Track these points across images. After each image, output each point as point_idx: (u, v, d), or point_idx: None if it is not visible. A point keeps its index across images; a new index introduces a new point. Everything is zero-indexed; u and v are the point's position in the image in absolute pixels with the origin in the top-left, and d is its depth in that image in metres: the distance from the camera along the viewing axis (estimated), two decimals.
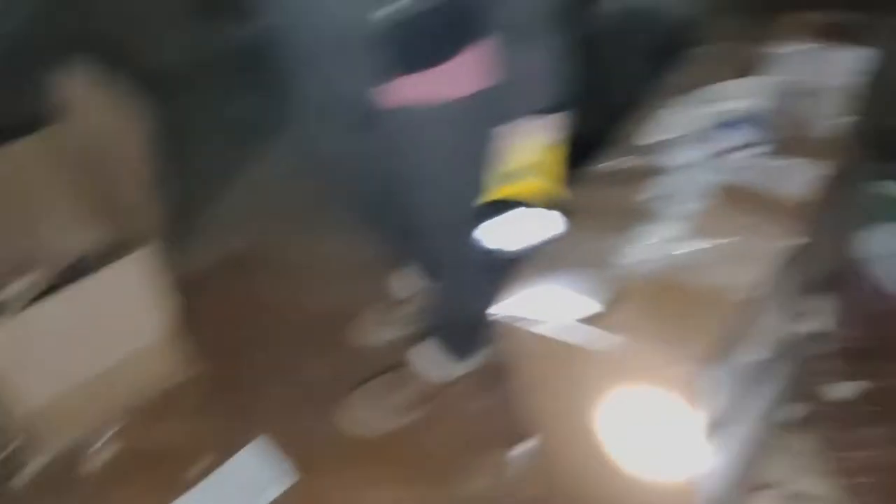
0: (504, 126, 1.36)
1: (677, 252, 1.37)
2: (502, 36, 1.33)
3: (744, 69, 1.69)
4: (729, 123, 1.56)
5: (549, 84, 1.34)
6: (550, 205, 1.32)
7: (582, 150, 1.65)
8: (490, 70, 1.39)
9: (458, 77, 1.41)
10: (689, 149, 1.56)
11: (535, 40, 1.32)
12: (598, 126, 1.75)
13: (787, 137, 1.52)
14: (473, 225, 1.34)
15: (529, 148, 1.34)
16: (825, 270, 1.74)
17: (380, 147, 1.52)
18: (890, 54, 1.73)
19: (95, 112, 1.99)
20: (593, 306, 1.32)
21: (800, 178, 1.45)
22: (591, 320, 1.30)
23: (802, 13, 1.83)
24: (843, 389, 1.83)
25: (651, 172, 1.55)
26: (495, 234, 1.34)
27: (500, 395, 1.71)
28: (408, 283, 2.10)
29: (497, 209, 1.32)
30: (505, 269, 1.40)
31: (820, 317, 1.81)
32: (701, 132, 1.58)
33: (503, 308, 1.38)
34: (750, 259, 1.34)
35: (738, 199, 1.44)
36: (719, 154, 1.52)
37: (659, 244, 1.39)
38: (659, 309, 1.30)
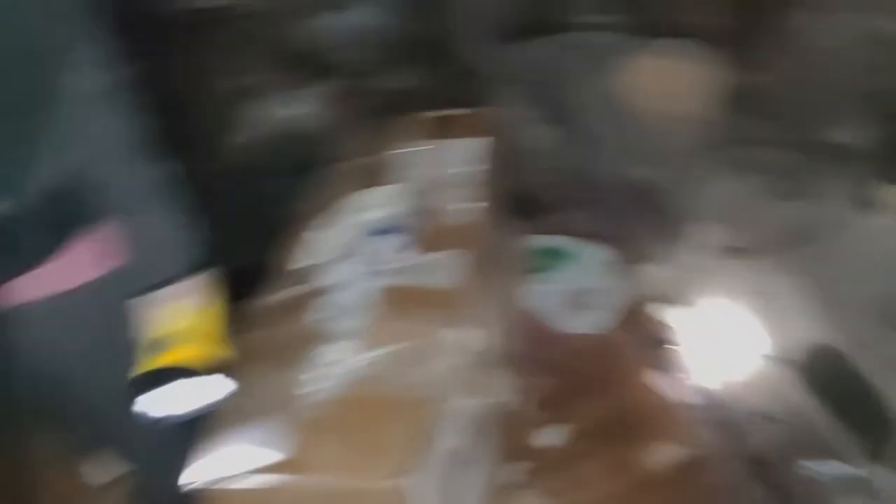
0: (143, 299, 1.31)
1: (356, 369, 1.39)
2: (119, 214, 1.29)
3: (379, 176, 1.79)
4: (376, 232, 1.63)
5: (181, 248, 1.31)
6: (211, 365, 1.30)
7: (248, 285, 1.65)
8: (114, 250, 1.33)
9: (79, 266, 1.34)
10: (344, 264, 1.60)
11: (155, 210, 1.29)
12: (263, 257, 1.76)
13: (430, 232, 1.62)
14: (134, 402, 1.28)
15: (176, 315, 1.30)
16: (501, 335, 1.85)
17: (11, 348, 1.40)
18: (501, 138, 1.91)
19: None
20: (286, 448, 1.29)
21: (451, 267, 1.54)
22: (285, 464, 1.28)
23: (420, 114, 1.96)
24: (552, 436, 1.95)
25: (314, 296, 1.57)
26: (160, 406, 1.29)
27: None
28: (102, 471, 1.95)
29: (154, 381, 1.27)
30: (186, 435, 1.34)
31: (505, 379, 1.91)
32: (352, 246, 1.63)
33: (194, 475, 1.32)
34: (424, 358, 1.40)
35: (401, 303, 1.49)
36: (374, 263, 1.58)
37: (337, 366, 1.41)
38: (352, 431, 1.31)
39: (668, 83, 2.28)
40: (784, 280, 1.93)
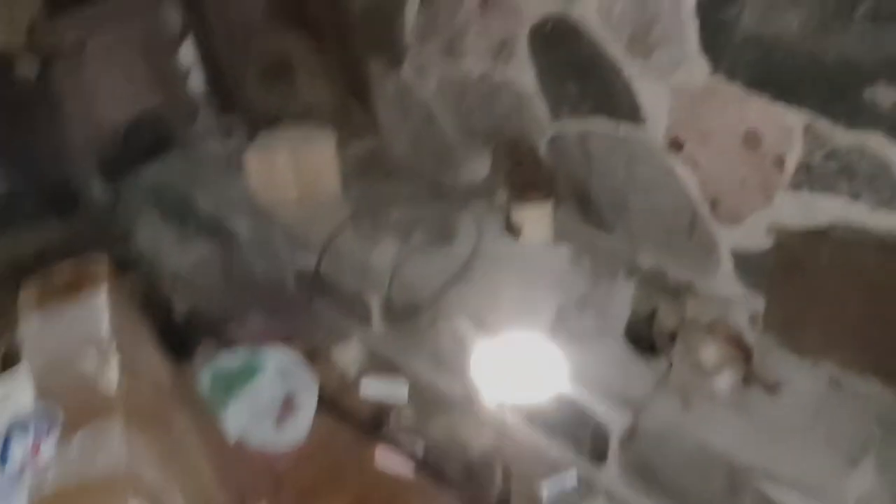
0: None
1: None
2: None
3: (4, 363, 1.59)
4: (12, 431, 1.43)
5: None
6: None
7: None
8: None
9: None
10: None
11: None
12: None
13: (74, 410, 1.45)
14: None
15: None
16: (197, 488, 1.71)
17: None
18: (132, 279, 1.78)
19: None
20: None
21: (107, 443, 1.38)
22: None
23: (37, 279, 1.77)
24: None
25: None
26: None
27: None
28: None
29: None
30: None
31: None
32: None
33: None
34: None
35: None
36: (19, 470, 1.38)
37: None
38: None
39: (294, 170, 2.28)
40: (464, 324, 1.98)
